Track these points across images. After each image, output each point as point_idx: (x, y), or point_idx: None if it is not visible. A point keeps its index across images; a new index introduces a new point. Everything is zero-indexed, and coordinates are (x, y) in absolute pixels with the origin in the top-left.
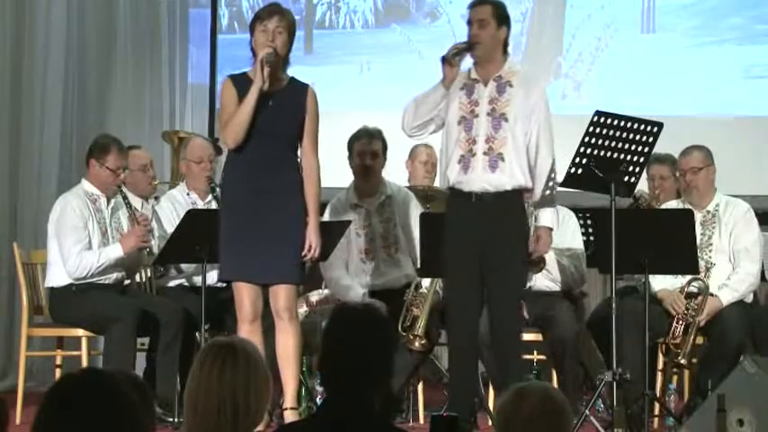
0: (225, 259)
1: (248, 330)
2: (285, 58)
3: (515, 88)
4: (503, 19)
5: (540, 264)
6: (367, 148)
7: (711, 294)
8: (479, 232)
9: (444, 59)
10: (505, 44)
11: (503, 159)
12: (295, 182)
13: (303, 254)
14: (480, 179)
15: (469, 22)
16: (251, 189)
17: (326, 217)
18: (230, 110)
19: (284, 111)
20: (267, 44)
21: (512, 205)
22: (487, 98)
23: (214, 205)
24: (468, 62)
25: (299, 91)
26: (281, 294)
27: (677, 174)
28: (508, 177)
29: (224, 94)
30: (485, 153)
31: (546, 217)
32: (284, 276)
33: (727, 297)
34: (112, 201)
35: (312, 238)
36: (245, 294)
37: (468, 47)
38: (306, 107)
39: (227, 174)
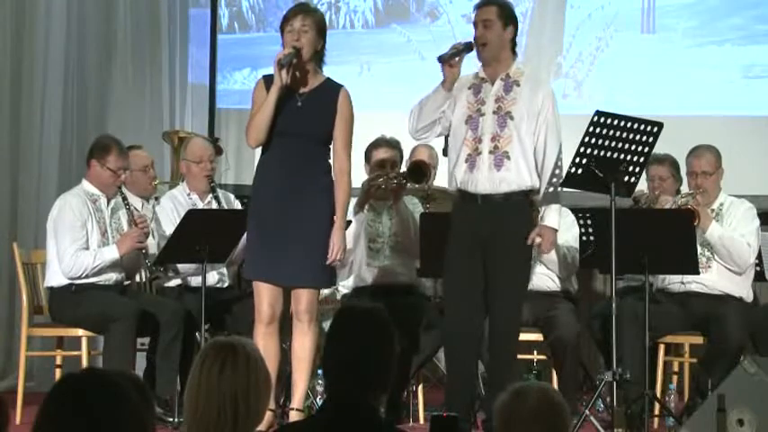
0: (249, 258)
1: (264, 332)
2: (318, 56)
3: (522, 87)
4: (508, 19)
5: None
6: (388, 157)
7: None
8: (484, 233)
9: (441, 60)
10: (513, 44)
11: (508, 158)
12: (324, 183)
13: (328, 256)
14: (485, 178)
15: (475, 24)
16: (278, 189)
17: None
18: (255, 110)
19: (313, 111)
20: (291, 44)
21: (517, 207)
22: (494, 96)
23: (214, 206)
24: (477, 63)
25: (331, 92)
26: (302, 297)
27: (686, 173)
28: (514, 176)
29: (254, 93)
30: (490, 152)
31: (551, 217)
32: (307, 279)
33: (719, 230)
34: (113, 201)
35: (335, 240)
36: (265, 295)
37: (468, 48)
38: (337, 108)
39: (256, 173)
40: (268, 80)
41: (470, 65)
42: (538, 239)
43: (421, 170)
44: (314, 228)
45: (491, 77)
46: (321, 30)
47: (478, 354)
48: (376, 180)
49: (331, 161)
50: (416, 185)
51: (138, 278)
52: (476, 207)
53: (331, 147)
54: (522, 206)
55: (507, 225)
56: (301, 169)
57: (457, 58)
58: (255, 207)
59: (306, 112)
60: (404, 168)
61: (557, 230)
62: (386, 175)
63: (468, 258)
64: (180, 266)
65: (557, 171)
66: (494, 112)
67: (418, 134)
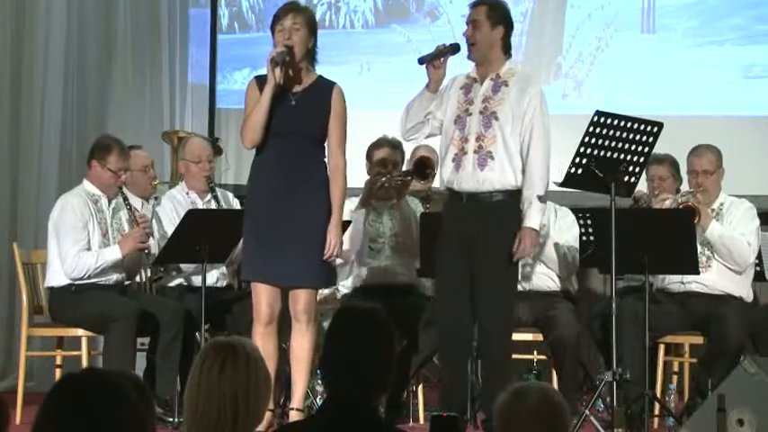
0: (246, 259)
1: (262, 333)
2: (310, 54)
3: (510, 88)
4: (498, 19)
5: None
6: (389, 157)
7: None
8: (469, 233)
9: (421, 62)
10: (506, 44)
11: (492, 158)
12: (320, 182)
13: (325, 252)
14: (470, 177)
15: (467, 23)
16: (274, 189)
17: None
18: (249, 111)
19: (307, 109)
20: (282, 43)
21: (503, 207)
22: (481, 96)
23: (213, 205)
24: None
25: (324, 89)
26: (300, 297)
27: (687, 171)
28: (498, 176)
29: (247, 95)
30: (475, 151)
31: (532, 218)
32: (305, 279)
33: (719, 229)
34: (114, 201)
35: (332, 237)
36: (263, 296)
37: (454, 49)
38: (330, 106)
39: (251, 174)
40: (260, 80)
41: (465, 65)
42: (516, 245)
43: (426, 165)
44: (310, 226)
45: (481, 77)
46: (312, 27)
47: (473, 353)
48: (379, 178)
49: (326, 159)
50: (422, 181)
51: (138, 278)
52: (461, 206)
53: (326, 144)
54: (507, 206)
55: (491, 225)
56: (297, 168)
57: (441, 59)
58: (251, 207)
59: (300, 111)
60: (406, 168)
61: (537, 231)
62: (389, 173)
63: (457, 257)
64: (182, 265)
65: (543, 171)
66: (480, 112)
67: (407, 135)
